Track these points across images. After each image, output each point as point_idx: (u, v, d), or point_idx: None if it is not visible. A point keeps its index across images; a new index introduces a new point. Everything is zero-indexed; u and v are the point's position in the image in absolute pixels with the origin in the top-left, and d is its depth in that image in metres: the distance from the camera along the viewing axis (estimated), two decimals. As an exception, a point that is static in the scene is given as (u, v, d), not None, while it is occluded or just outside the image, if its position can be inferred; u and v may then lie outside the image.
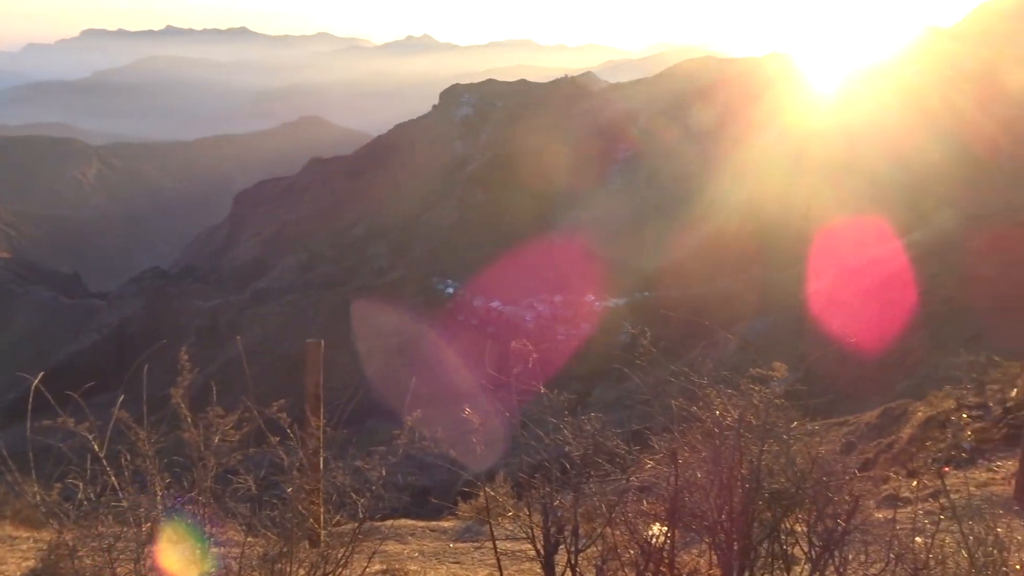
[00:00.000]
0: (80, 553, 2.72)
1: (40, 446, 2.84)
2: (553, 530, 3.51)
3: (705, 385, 3.84)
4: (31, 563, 4.13)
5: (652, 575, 3.36)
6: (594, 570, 3.44)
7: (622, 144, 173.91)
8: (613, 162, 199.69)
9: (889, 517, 3.51)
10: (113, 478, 2.84)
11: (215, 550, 2.84)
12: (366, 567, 3.56)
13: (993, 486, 6.23)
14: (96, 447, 2.82)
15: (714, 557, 3.42)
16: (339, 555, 3.10)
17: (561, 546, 3.57)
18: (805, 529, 3.22)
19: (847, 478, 3.25)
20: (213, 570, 2.77)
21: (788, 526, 3.29)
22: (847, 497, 3.15)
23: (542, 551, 3.56)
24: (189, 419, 3.22)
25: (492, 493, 4.16)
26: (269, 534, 3.00)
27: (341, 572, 3.11)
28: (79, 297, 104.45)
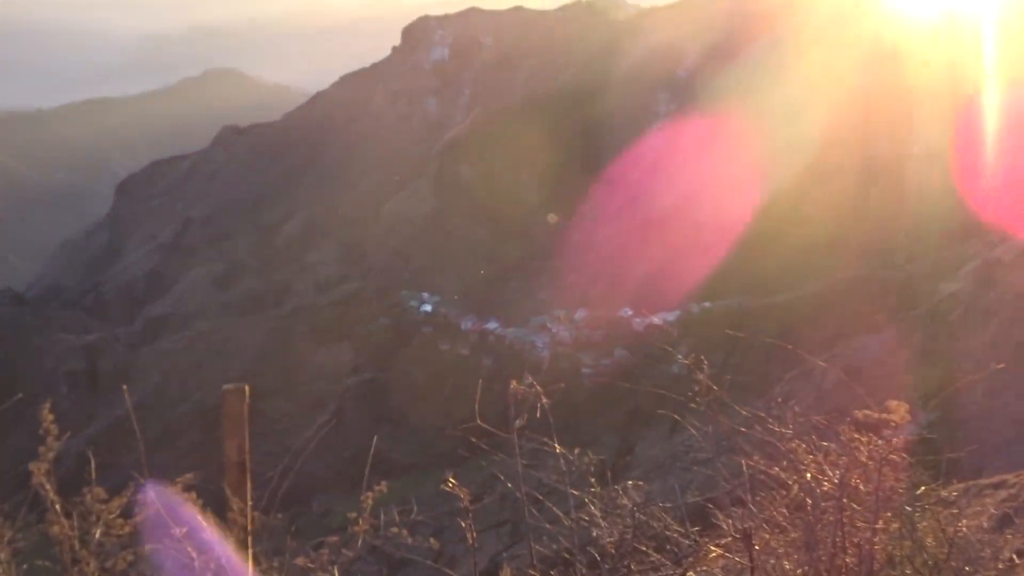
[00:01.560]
0: None
1: None
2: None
3: (791, 436, 3.75)
4: None
5: None
6: None
7: (662, 93, 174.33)
8: (653, 116, 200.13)
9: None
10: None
11: None
12: None
13: None
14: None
15: None
16: None
17: None
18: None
19: (1000, 567, 3.10)
20: None
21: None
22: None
23: None
24: (58, 506, 3.02)
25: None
26: None
27: None
28: None
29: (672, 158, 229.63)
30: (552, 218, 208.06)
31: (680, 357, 9.01)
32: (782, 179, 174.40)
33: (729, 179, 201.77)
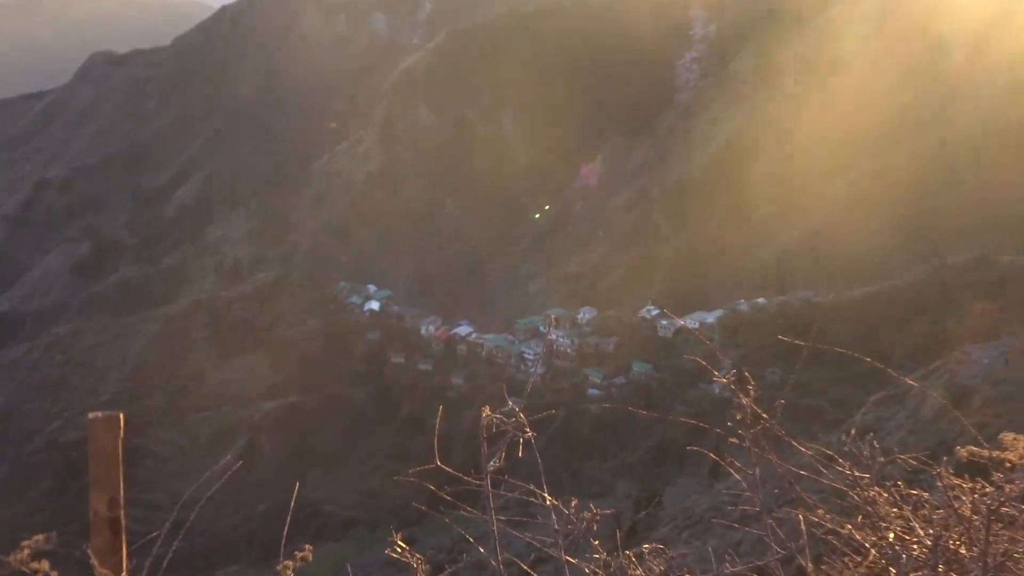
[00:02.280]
0: None
1: None
2: None
3: (871, 483, 3.79)
4: None
5: None
6: None
7: (698, 10, 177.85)
8: (687, 41, 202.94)
9: None
10: None
11: None
12: None
13: None
14: None
15: None
16: None
17: None
18: None
19: None
20: None
21: None
22: None
23: None
24: None
25: None
26: None
27: None
28: None
29: (719, 100, 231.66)
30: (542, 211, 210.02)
31: (721, 374, 8.91)
32: (862, 130, 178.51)
33: (792, 130, 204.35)
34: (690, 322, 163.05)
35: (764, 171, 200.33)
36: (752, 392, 7.18)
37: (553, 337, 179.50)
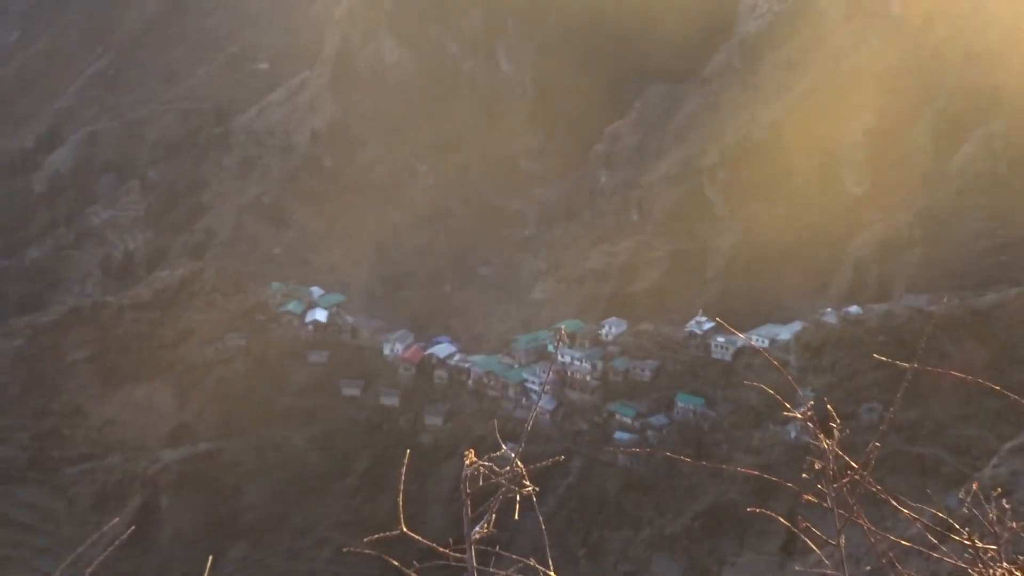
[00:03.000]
0: None
1: None
2: None
3: (996, 560, 3.84)
4: None
5: None
6: None
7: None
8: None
9: None
10: None
11: None
12: None
13: None
14: None
15: None
16: None
17: None
18: None
19: None
20: None
21: None
22: None
23: None
24: None
25: None
26: None
27: None
28: None
29: (799, 34, 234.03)
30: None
31: (798, 410, 9.12)
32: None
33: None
34: (757, 339, 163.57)
35: (859, 133, 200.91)
36: (839, 434, 7.21)
37: (566, 360, 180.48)
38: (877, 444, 7.01)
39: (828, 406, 8.39)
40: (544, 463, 10.36)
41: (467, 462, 7.84)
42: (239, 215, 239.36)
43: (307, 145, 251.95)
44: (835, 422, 7.73)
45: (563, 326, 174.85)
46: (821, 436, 7.33)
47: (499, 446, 8.94)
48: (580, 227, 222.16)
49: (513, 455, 8.29)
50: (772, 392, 11.89)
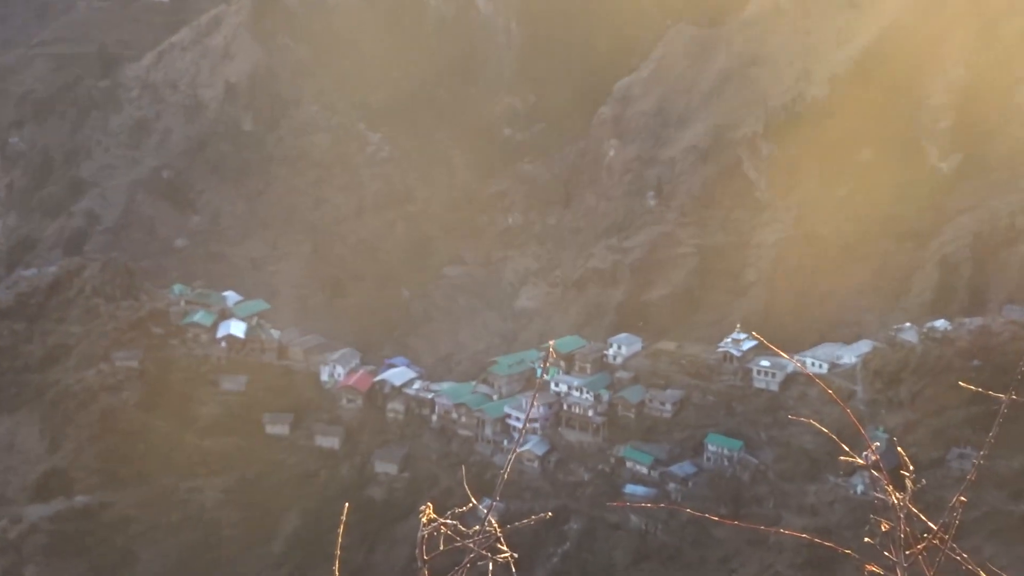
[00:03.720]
0: None
1: None
2: None
3: None
4: None
5: None
6: None
7: None
8: None
9: None
10: None
11: None
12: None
13: None
14: None
15: None
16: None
17: None
18: None
19: None
20: None
21: None
22: None
23: None
24: None
25: None
26: None
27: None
28: None
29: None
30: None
31: (863, 457, 8.79)
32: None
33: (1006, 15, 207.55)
34: (812, 363, 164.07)
35: (946, 92, 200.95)
36: (913, 486, 7.30)
37: (560, 389, 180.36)
38: (963, 499, 7.01)
39: (899, 449, 8.52)
40: (526, 521, 10.23)
41: (424, 520, 7.90)
42: (130, 194, 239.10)
43: (221, 103, 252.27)
44: (908, 472, 7.76)
45: (554, 346, 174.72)
46: (890, 489, 7.37)
47: (469, 499, 8.91)
48: (580, 214, 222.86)
49: (486, 511, 8.26)
50: (830, 434, 11.88)
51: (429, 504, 8.66)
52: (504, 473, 11.28)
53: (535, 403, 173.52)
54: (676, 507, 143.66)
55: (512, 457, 34.59)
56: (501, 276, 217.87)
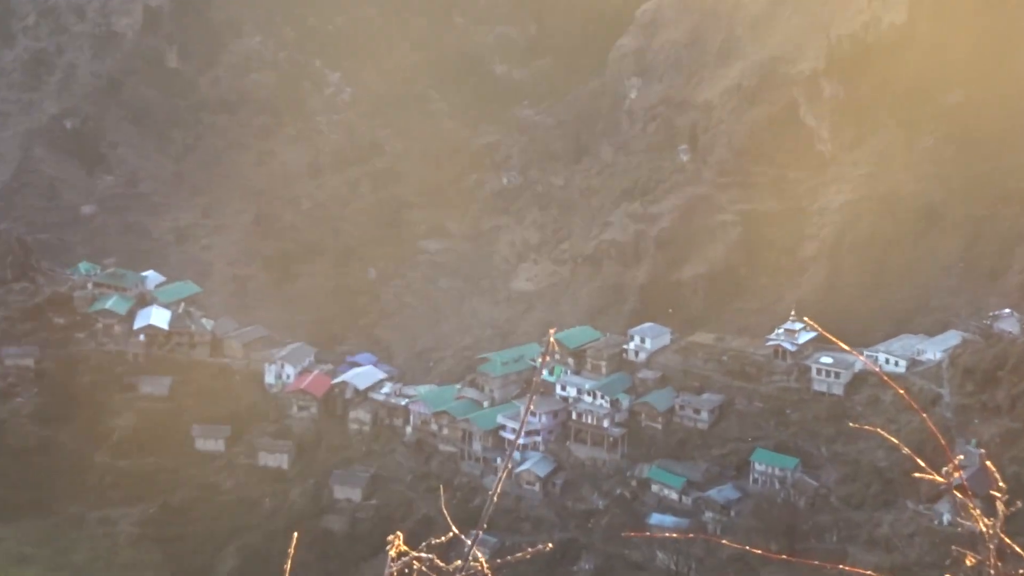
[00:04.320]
0: None
1: None
2: None
3: None
4: None
5: None
6: None
7: None
8: None
9: None
10: None
11: None
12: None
13: None
14: None
15: None
16: None
17: None
18: None
19: None
20: None
21: None
22: None
23: None
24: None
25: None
26: None
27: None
28: None
29: None
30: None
31: (946, 476, 8.30)
32: None
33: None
34: (886, 360, 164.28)
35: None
36: (1006, 511, 6.60)
37: (568, 393, 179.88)
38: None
39: (988, 465, 7.65)
40: (520, 555, 10.41)
41: (392, 554, 7.18)
42: (25, 148, 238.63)
43: (138, 33, 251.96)
44: (1000, 493, 7.06)
45: (552, 332, 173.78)
46: (977, 515, 6.63)
47: (450, 528, 8.20)
48: (594, 173, 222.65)
49: (470, 543, 7.59)
50: (908, 450, 10.99)
51: (399, 534, 9.56)
52: (493, 495, 11.19)
53: (533, 408, 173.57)
54: (714, 540, 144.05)
55: (503, 475, 33.42)
56: (493, 251, 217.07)
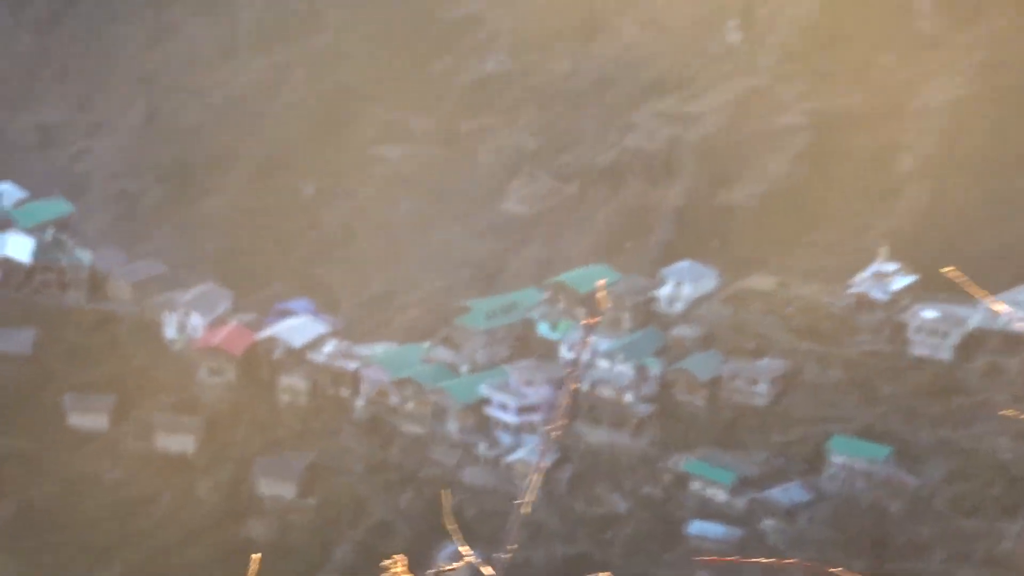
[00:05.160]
0: None
1: None
2: None
3: None
4: None
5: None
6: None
7: None
8: None
9: None
10: None
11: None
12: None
13: None
14: None
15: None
16: None
17: None
18: None
19: None
20: None
21: None
22: None
23: None
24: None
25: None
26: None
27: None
28: None
29: None
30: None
31: None
32: None
33: None
34: (1013, 313, 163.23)
35: None
36: None
37: (582, 356, 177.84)
38: None
39: None
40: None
41: None
42: None
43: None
44: None
45: (564, 281, 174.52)
46: None
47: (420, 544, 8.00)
48: (610, 56, 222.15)
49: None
50: None
51: (400, 559, 9.62)
52: (515, 526, 11.04)
53: (552, 383, 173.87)
54: (777, 560, 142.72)
55: (534, 477, 32.73)
56: (474, 161, 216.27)
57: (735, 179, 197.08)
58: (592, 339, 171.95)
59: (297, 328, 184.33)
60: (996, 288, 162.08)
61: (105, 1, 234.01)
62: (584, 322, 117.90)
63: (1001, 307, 21.70)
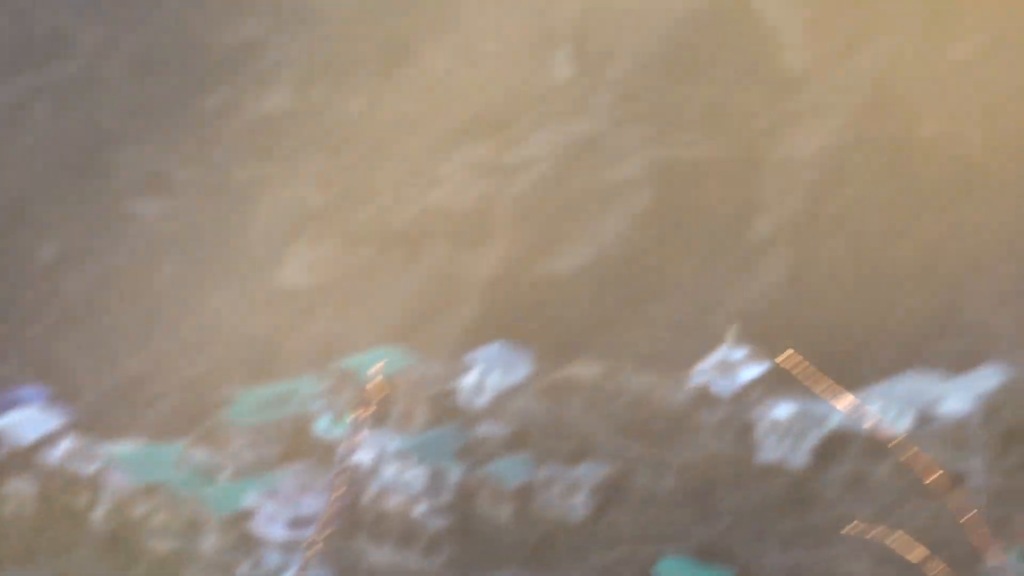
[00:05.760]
0: None
1: None
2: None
3: None
4: None
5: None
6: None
7: None
8: None
9: None
10: None
11: None
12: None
13: None
14: None
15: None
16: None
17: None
18: None
19: None
20: None
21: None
22: None
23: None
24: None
25: None
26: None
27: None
28: None
29: None
30: None
31: None
32: None
33: None
34: (882, 410, 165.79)
35: None
36: None
37: (362, 458, 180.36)
38: None
39: None
40: None
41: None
42: None
43: None
44: None
45: (356, 364, 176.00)
46: None
47: None
48: (416, 92, 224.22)
49: None
50: (932, 554, 14.31)
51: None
52: None
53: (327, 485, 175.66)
54: None
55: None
56: (249, 220, 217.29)
57: (560, 244, 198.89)
58: (374, 437, 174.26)
59: (26, 421, 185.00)
60: (869, 379, 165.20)
61: None
62: (354, 415, 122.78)
63: (848, 403, 23.55)
